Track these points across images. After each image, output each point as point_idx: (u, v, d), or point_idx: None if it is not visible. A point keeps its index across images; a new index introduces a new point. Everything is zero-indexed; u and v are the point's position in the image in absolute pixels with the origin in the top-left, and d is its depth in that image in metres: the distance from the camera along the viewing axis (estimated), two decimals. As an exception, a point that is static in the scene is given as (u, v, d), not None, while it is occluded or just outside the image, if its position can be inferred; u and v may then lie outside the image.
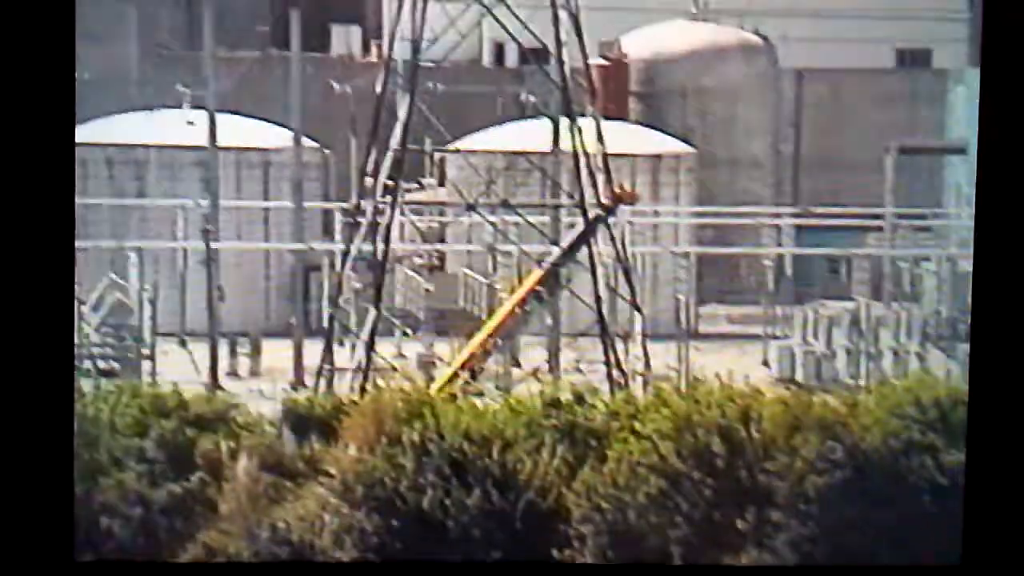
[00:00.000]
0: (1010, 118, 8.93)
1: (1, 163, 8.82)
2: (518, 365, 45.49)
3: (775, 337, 50.73)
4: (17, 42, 8.80)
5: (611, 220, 41.88)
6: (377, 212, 41.11)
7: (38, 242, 9.05)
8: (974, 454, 9.25)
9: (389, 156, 41.11)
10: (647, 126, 62.74)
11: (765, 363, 48.95)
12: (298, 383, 45.19)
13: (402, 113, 41.27)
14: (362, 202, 42.01)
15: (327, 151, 58.42)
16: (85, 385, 29.04)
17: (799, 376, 45.81)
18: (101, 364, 43.29)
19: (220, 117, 51.98)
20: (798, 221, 57.80)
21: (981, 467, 9.17)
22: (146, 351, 44.14)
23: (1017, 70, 8.87)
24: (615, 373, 40.48)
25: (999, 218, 8.97)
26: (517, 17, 42.03)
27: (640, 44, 67.62)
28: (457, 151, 57.52)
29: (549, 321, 45.09)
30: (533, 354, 46.40)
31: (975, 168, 9.12)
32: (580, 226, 41.66)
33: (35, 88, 8.94)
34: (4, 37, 8.82)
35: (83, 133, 58.33)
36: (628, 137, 56.95)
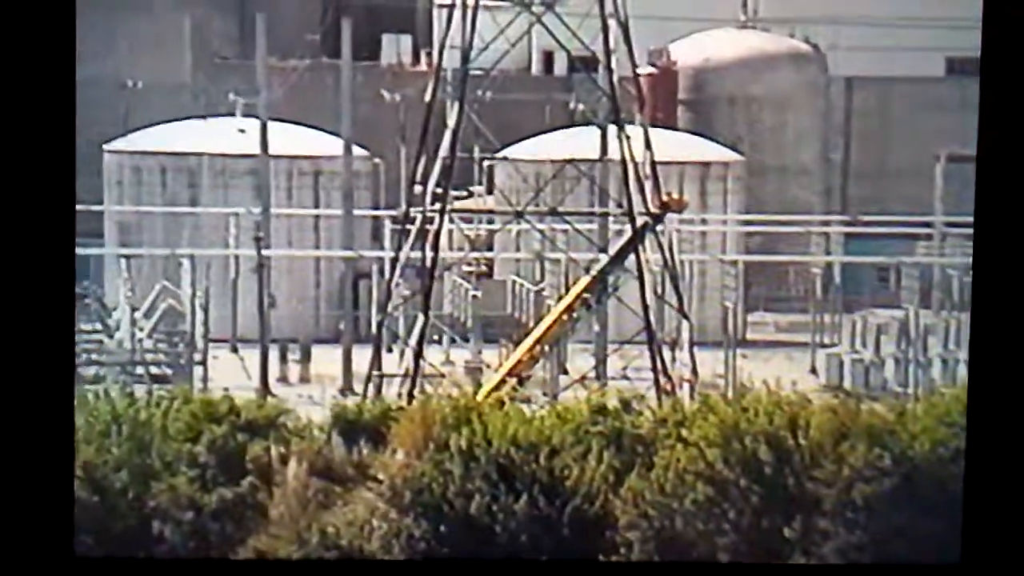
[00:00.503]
0: (1011, 119, 8.93)
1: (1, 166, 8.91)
2: (565, 372, 45.52)
3: (823, 345, 50.58)
4: (17, 43, 8.88)
5: (659, 227, 41.87)
6: (426, 220, 41.25)
7: (38, 237, 9.10)
8: (973, 454, 9.26)
9: (438, 164, 41.26)
10: (696, 134, 62.69)
11: (813, 371, 48.81)
12: (347, 389, 45.37)
13: (451, 121, 41.41)
14: (411, 210, 42.17)
15: (377, 159, 58.64)
16: (138, 390, 29.27)
17: (847, 384, 45.65)
18: (154, 370, 43.60)
19: (272, 125, 52.29)
20: (847, 229, 57.62)
21: (980, 466, 9.17)
22: (198, 357, 44.42)
23: (1017, 70, 8.88)
24: (662, 380, 40.46)
25: (999, 220, 8.98)
26: (566, 25, 42.11)
27: (689, 52, 67.58)
28: (506, 159, 57.66)
29: (596, 328, 45.11)
30: (580, 361, 46.43)
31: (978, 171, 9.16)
32: (628, 233, 41.67)
33: (35, 90, 8.99)
34: (3, 40, 8.91)
35: (137, 141, 58.86)
36: (676, 145, 56.93)
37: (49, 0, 8.88)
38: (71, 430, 9.21)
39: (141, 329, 44.71)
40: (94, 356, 44.10)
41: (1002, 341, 9.03)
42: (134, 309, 45.35)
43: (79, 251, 53.75)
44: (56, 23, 8.93)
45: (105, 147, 58.52)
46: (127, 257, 50.29)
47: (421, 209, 41.47)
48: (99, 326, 46.03)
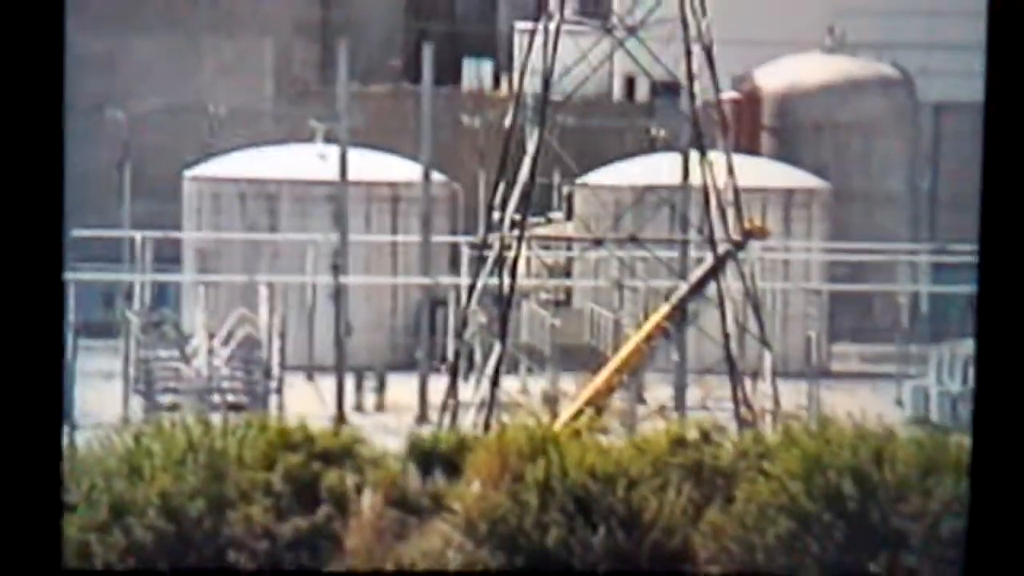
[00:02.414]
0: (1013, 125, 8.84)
1: None
2: (643, 402, 45.35)
3: (909, 376, 50.06)
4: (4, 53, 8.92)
5: (741, 255, 41.66)
6: (504, 246, 41.29)
7: (28, 234, 9.08)
8: (979, 457, 9.16)
9: (517, 190, 41.30)
10: (780, 160, 62.37)
11: (899, 403, 48.33)
12: (423, 418, 45.44)
13: (531, 147, 41.45)
14: (489, 236, 42.22)
15: (456, 185, 58.82)
16: (214, 418, 29.46)
17: (934, 416, 45.15)
18: (230, 398, 43.87)
19: (351, 151, 52.60)
20: (935, 258, 57.05)
21: (985, 469, 9.08)
22: (274, 385, 44.66)
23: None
24: (743, 411, 40.20)
25: (1005, 226, 8.90)
26: (649, 50, 42.07)
27: (774, 77, 67.30)
28: (585, 185, 57.63)
29: (676, 357, 44.92)
30: (659, 391, 46.24)
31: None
32: (709, 261, 41.49)
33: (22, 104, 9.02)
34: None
35: (217, 167, 59.41)
36: (760, 171, 56.65)
37: (37, 21, 8.94)
38: (58, 438, 9.18)
39: (218, 356, 45.00)
40: (171, 384, 44.44)
41: (1008, 350, 8.96)
42: (211, 336, 45.68)
43: (158, 277, 54.36)
44: (44, 43, 8.96)
45: (185, 173, 59.10)
46: (205, 284, 50.70)
47: (499, 236, 41.51)
48: (176, 353, 46.40)
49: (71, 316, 44.43)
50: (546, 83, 41.13)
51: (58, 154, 9.13)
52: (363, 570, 23.89)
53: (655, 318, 41.68)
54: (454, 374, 42.50)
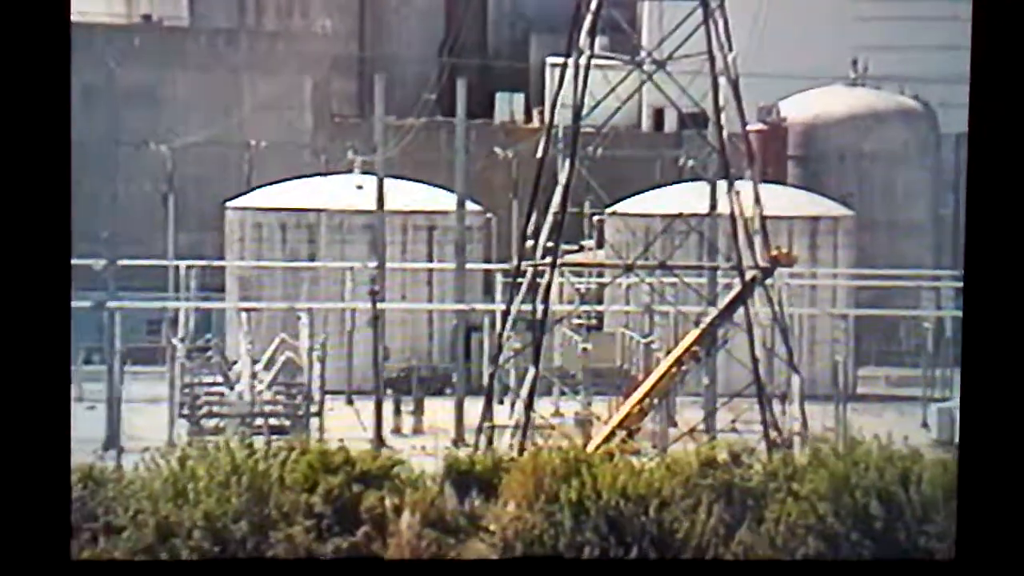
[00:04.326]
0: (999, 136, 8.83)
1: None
2: (674, 424, 45.16)
3: (935, 399, 49.75)
4: (13, 73, 8.87)
5: (768, 281, 41.50)
6: (537, 273, 41.23)
7: (35, 249, 9.07)
8: (967, 453, 9.13)
9: (549, 219, 41.26)
10: (805, 189, 62.19)
11: (924, 425, 48.02)
12: (459, 440, 45.35)
13: (562, 177, 41.41)
14: (523, 263, 42.18)
15: (490, 214, 58.83)
16: (257, 442, 29.43)
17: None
18: (272, 421, 43.87)
19: (388, 182, 52.69)
20: (958, 284, 56.72)
21: (974, 466, 9.04)
22: (315, 408, 44.65)
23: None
24: (772, 433, 39.99)
25: (990, 231, 8.86)
26: (676, 83, 42.02)
27: (799, 108, 67.16)
28: (615, 214, 57.54)
29: (706, 381, 44.73)
30: (689, 414, 46.03)
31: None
32: (737, 287, 41.34)
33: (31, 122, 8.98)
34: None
35: (259, 198, 59.57)
36: (786, 200, 56.51)
37: (44, 56, 8.90)
38: (67, 433, 9.12)
39: (260, 381, 45.03)
40: (215, 408, 44.47)
41: (993, 345, 8.93)
42: (254, 362, 45.71)
43: (202, 304, 54.42)
44: (52, 79, 8.96)
45: (228, 204, 59.27)
46: (247, 311, 50.78)
47: (532, 263, 41.46)
48: (220, 378, 46.44)
49: (118, 343, 44.52)
50: (577, 115, 41.09)
51: (65, 188, 9.13)
52: (363, 557, 23.80)
53: (685, 343, 41.50)
54: (489, 397, 42.40)
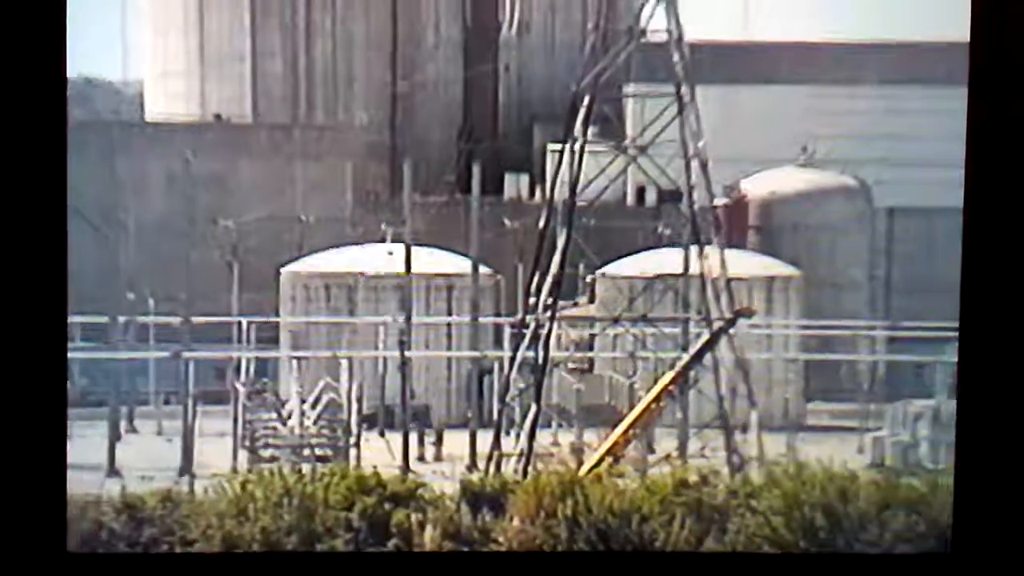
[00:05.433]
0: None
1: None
2: (653, 451, 45.21)
3: (869, 429, 49.82)
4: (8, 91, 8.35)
5: (732, 331, 41.71)
6: (539, 325, 41.48)
7: (32, 254, 8.52)
8: (963, 449, 9.02)
9: (549, 279, 41.56)
10: (763, 254, 62.45)
11: (860, 451, 48.05)
12: (473, 466, 45.42)
13: (560, 244, 41.75)
14: (527, 317, 42.41)
15: (499, 276, 59.12)
16: (305, 468, 29.56)
17: (888, 462, 44.88)
18: (318, 451, 44.01)
19: (415, 249, 53.04)
20: (889, 333, 56.87)
21: (970, 460, 8.93)
22: (353, 440, 44.79)
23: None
24: (734, 459, 40.07)
25: (989, 231, 8.82)
26: (656, 165, 42.43)
27: (758, 186, 67.54)
28: (605, 275, 57.81)
29: (679, 415, 44.85)
30: (666, 442, 46.10)
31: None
32: (706, 336, 41.55)
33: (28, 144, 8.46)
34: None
35: (307, 264, 59.91)
36: (747, 263, 56.74)
37: (40, 104, 8.30)
38: (63, 428, 8.57)
39: (308, 418, 45.23)
40: (270, 440, 44.62)
41: (988, 344, 8.84)
42: (303, 401, 45.94)
43: (260, 354, 54.60)
44: (48, 132, 8.42)
45: (282, 269, 59.68)
46: (298, 359, 51.03)
47: (535, 316, 41.71)
48: (274, 415, 46.64)
49: (191, 387, 44.79)
50: (572, 192, 41.46)
51: (62, 242, 8.60)
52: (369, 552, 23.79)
53: (663, 382, 41.67)
54: (498, 430, 42.52)
